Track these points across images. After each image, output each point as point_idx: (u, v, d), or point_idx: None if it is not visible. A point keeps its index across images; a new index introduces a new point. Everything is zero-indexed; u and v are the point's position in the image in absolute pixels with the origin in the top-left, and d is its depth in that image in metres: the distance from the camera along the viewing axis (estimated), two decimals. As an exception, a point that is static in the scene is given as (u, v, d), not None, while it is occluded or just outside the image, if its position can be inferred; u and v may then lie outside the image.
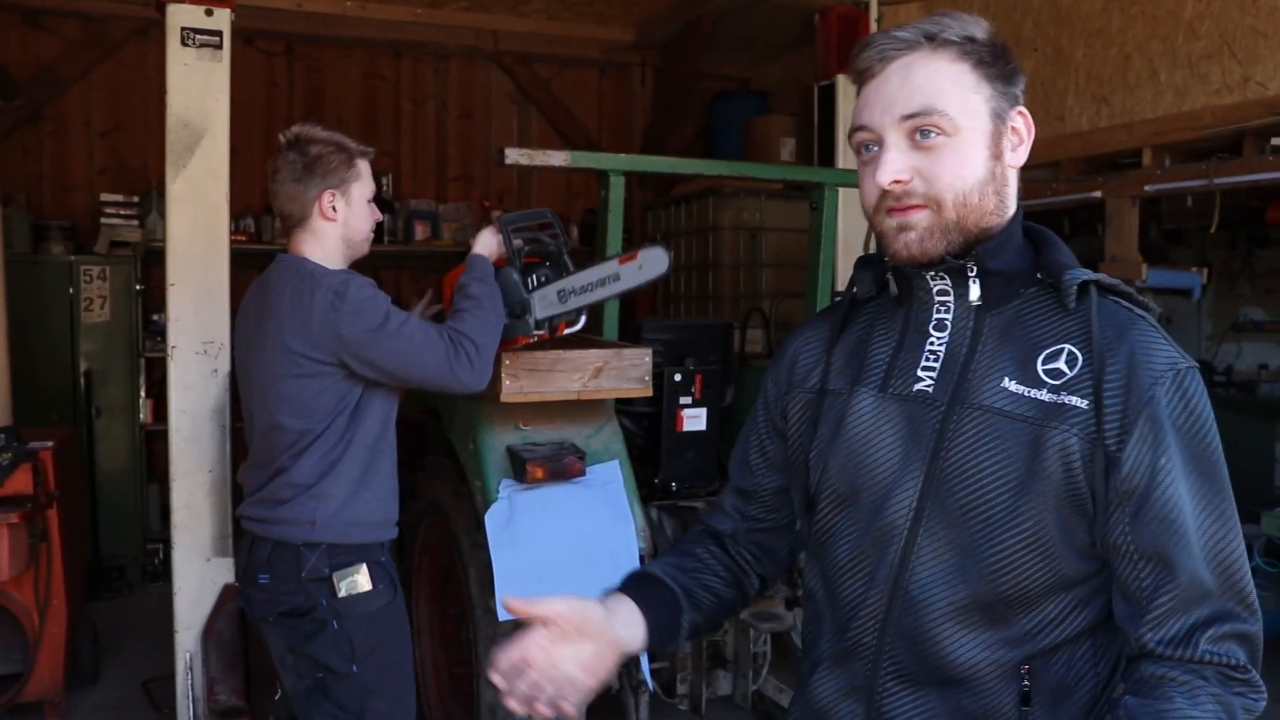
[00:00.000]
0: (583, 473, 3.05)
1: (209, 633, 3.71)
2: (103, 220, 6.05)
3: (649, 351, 3.07)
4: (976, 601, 1.23)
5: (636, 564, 2.98)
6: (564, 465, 3.02)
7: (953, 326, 1.32)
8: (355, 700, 2.52)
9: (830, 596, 1.38)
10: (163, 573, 5.68)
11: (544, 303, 2.87)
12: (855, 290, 1.43)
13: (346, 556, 2.53)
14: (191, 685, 3.71)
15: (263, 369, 2.55)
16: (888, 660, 1.29)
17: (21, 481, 3.89)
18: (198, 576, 3.73)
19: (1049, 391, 1.23)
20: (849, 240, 4.56)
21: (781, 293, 4.52)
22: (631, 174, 3.53)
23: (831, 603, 1.37)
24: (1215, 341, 7.88)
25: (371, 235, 2.73)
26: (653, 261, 2.87)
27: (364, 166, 2.66)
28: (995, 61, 1.28)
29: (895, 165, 1.25)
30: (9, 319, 3.94)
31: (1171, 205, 5.22)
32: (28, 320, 5.35)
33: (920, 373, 1.32)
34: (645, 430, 3.59)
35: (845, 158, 4.99)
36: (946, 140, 1.24)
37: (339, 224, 2.61)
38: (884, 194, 1.27)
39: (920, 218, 1.26)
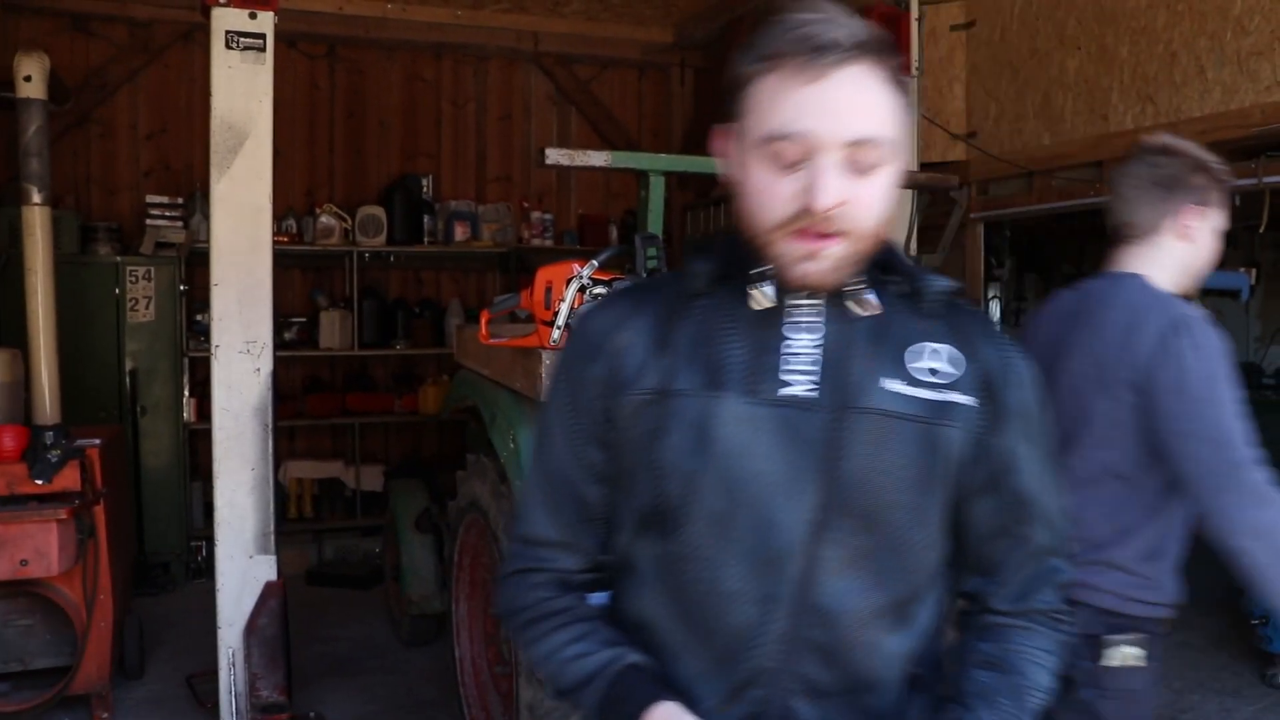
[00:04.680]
0: (622, 472, 3.04)
1: (251, 629, 3.76)
2: (148, 221, 6.15)
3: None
4: (894, 602, 1.24)
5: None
6: (603, 465, 3.01)
7: (823, 328, 1.24)
8: None
9: (700, 628, 1.25)
10: (205, 569, 5.77)
11: None
12: (693, 284, 1.30)
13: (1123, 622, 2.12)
14: (234, 680, 3.75)
15: (1069, 381, 2.19)
16: (798, 681, 1.22)
17: (70, 478, 3.95)
18: (240, 573, 3.78)
19: (933, 390, 1.24)
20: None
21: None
22: (671, 174, 3.51)
23: (703, 635, 1.25)
24: (1264, 344, 7.76)
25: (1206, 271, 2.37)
26: None
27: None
28: (899, 80, 1.18)
29: (839, 187, 1.12)
30: (58, 319, 3.99)
31: (1219, 205, 5.13)
32: (76, 320, 5.44)
33: (785, 375, 1.22)
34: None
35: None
36: (880, 170, 1.15)
37: (1192, 246, 2.30)
38: (801, 214, 1.14)
39: (835, 249, 1.16)
